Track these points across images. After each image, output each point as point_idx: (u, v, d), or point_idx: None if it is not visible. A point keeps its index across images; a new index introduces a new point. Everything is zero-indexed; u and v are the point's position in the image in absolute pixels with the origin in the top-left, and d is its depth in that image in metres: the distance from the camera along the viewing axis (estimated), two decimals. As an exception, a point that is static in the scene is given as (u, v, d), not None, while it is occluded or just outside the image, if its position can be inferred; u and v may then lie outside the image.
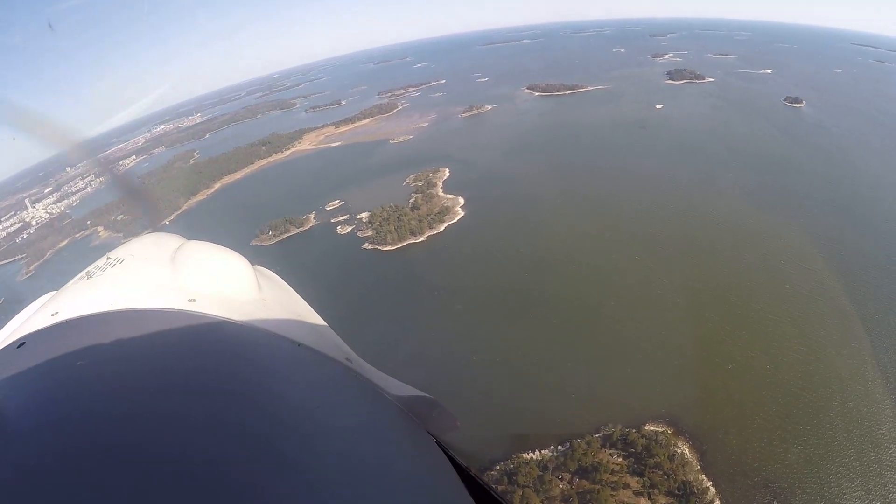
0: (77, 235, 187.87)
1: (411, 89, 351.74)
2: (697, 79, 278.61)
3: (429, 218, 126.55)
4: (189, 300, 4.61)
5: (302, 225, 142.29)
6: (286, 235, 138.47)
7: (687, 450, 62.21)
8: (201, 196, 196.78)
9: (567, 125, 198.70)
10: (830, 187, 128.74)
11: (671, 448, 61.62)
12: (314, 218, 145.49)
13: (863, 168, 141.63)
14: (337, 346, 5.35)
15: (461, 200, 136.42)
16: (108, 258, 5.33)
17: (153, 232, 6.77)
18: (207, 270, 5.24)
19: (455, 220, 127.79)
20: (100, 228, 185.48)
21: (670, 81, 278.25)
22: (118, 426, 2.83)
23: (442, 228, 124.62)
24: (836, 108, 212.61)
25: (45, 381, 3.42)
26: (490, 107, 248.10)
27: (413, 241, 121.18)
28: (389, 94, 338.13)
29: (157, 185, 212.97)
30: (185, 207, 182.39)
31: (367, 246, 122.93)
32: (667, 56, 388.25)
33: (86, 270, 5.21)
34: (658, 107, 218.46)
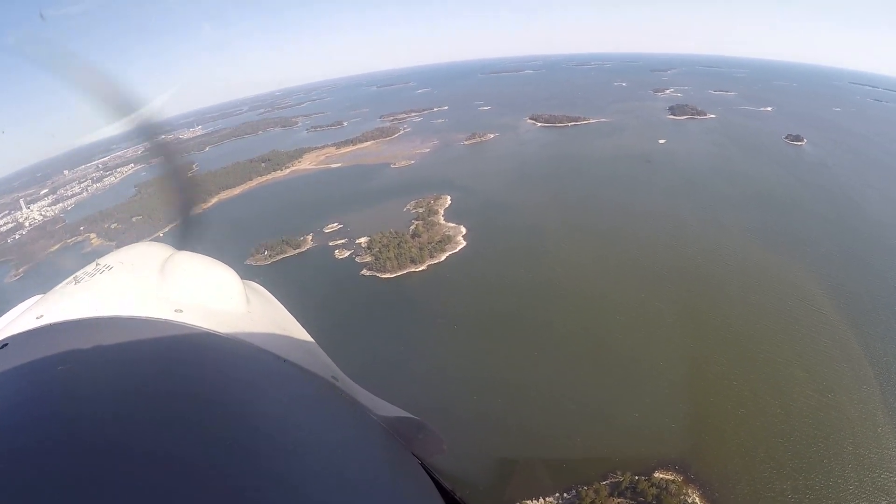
0: (69, 241, 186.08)
1: (413, 114, 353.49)
2: (699, 115, 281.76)
3: (430, 246, 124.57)
4: (176, 310, 4.60)
5: (299, 246, 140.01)
6: (282, 256, 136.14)
7: (698, 499, 59.94)
8: (197, 210, 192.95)
9: (570, 157, 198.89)
10: (835, 226, 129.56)
11: (682, 497, 59.41)
12: (311, 240, 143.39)
13: (866, 207, 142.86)
14: (324, 364, 5.27)
15: (463, 229, 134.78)
16: (97, 264, 5.31)
17: (145, 242, 6.45)
18: (196, 281, 5.18)
19: (457, 250, 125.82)
20: (92, 236, 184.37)
21: (672, 116, 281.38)
22: (96, 432, 2.85)
23: (443, 258, 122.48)
24: (836, 147, 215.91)
25: (25, 382, 3.47)
26: (492, 135, 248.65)
27: (413, 270, 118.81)
28: (392, 118, 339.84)
29: (152, 198, 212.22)
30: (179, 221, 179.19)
31: (365, 272, 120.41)
32: (668, 91, 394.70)
33: (74, 275, 5.17)
34: (661, 141, 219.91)
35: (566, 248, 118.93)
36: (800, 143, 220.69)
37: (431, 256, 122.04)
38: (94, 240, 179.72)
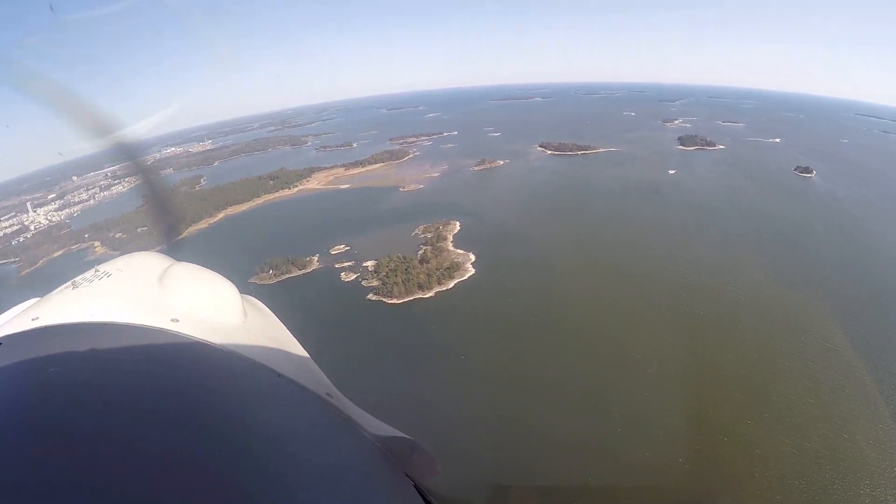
0: (73, 247, 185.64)
1: (423, 138, 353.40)
2: (708, 145, 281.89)
3: (438, 273, 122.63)
4: (172, 320, 4.66)
5: (304, 267, 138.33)
6: (287, 276, 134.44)
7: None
8: (203, 224, 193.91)
9: (581, 185, 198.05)
10: (848, 261, 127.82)
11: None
12: (318, 261, 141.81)
13: (879, 242, 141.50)
14: (319, 381, 5.33)
15: (472, 257, 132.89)
16: (97, 271, 5.35)
17: (145, 252, 6.53)
18: (194, 292, 5.26)
19: (465, 277, 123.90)
20: (97, 243, 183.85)
21: (682, 147, 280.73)
22: (84, 436, 2.84)
23: (451, 285, 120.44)
24: (846, 179, 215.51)
25: (16, 382, 3.48)
26: (502, 162, 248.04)
27: (421, 296, 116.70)
28: (401, 141, 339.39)
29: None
30: (185, 234, 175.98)
31: (371, 297, 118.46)
32: (677, 121, 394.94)
33: (72, 280, 5.22)
34: (671, 172, 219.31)
35: (576, 282, 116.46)
36: (809, 175, 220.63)
37: (439, 283, 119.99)
38: (99, 248, 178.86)
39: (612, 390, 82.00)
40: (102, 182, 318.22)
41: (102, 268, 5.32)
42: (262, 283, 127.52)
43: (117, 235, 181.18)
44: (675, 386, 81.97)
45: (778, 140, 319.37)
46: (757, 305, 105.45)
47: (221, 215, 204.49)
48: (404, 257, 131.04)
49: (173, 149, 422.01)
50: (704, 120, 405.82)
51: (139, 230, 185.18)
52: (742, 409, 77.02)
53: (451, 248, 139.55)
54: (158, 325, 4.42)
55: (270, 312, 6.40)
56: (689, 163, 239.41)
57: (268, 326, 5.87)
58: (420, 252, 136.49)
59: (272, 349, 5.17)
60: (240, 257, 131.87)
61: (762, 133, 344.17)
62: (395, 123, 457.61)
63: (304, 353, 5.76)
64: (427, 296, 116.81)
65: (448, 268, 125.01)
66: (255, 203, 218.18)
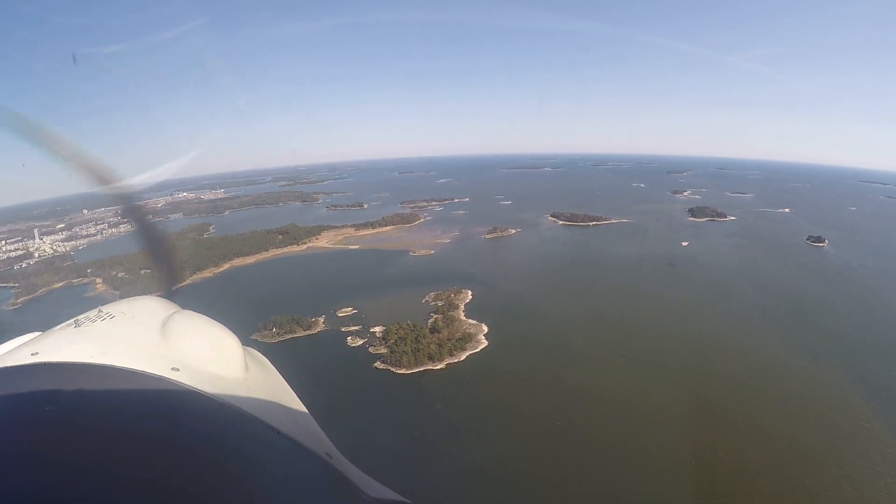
0: (74, 281, 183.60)
1: (434, 203, 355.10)
2: (719, 217, 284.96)
3: (449, 343, 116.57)
4: (173, 368, 4.59)
5: (310, 328, 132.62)
6: (291, 336, 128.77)
7: None
8: (207, 273, 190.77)
9: (594, 257, 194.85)
10: (868, 330, 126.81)
11: None
12: (323, 322, 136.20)
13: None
14: (318, 440, 5.30)
15: (485, 328, 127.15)
16: (100, 311, 5.33)
17: (151, 296, 6.55)
18: (196, 342, 5.21)
19: (477, 350, 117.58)
20: (98, 280, 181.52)
21: (693, 219, 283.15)
22: (73, 479, 2.83)
23: (463, 357, 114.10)
24: (859, 247, 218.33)
25: (10, 417, 3.48)
26: (514, 230, 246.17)
27: (431, 368, 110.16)
28: (412, 205, 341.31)
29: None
30: (188, 281, 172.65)
31: (378, 365, 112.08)
32: (686, 193, 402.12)
33: (75, 318, 5.16)
34: (684, 244, 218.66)
35: (594, 363, 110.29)
36: (822, 245, 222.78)
37: (451, 355, 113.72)
38: (100, 285, 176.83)
39: (629, 469, 77.10)
40: (112, 218, 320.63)
41: (106, 308, 5.25)
42: (264, 340, 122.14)
43: (120, 275, 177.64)
44: (703, 486, 75.22)
45: (787, 210, 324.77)
46: (782, 389, 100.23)
47: (227, 266, 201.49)
48: (414, 325, 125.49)
49: (185, 194, 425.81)
50: (713, 191, 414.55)
51: (142, 272, 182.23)
52: (774, 489, 73.00)
53: (462, 317, 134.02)
54: (158, 373, 4.32)
55: (272, 367, 6.23)
56: (701, 234, 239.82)
57: (269, 381, 5.68)
58: (430, 320, 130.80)
59: (272, 405, 5.04)
60: (242, 311, 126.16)
61: (771, 203, 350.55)
62: (407, 187, 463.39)
63: (305, 411, 5.62)
64: (437, 367, 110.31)
65: (460, 339, 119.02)
66: (262, 256, 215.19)
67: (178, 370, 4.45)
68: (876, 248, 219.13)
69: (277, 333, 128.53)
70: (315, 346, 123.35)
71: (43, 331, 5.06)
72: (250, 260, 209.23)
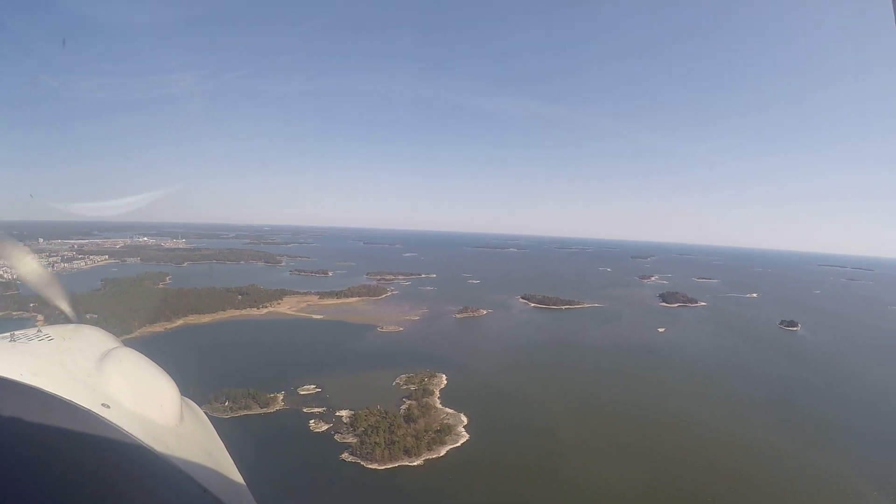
0: (14, 314, 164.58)
1: (401, 277, 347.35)
2: (690, 302, 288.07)
3: (427, 435, 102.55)
4: (103, 404, 4.26)
5: (267, 405, 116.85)
6: (246, 412, 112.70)
7: None
8: (159, 327, 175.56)
9: (570, 343, 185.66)
10: (860, 416, 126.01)
11: None
12: (283, 400, 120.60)
13: (883, 391, 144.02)
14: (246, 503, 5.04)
15: (464, 419, 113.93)
16: (39, 330, 5.06)
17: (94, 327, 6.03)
18: (133, 381, 4.82)
19: (458, 444, 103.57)
20: (40, 317, 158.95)
21: (665, 304, 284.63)
22: None
23: (443, 452, 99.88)
24: (832, 331, 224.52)
25: None
26: (485, 311, 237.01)
27: (407, 464, 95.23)
28: (379, 277, 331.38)
29: (115, 298, 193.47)
30: (136, 333, 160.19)
31: (346, 457, 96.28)
32: (653, 278, 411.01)
33: (11, 332, 4.88)
34: (660, 330, 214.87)
35: (584, 459, 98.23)
36: (795, 329, 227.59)
37: (429, 449, 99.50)
38: (41, 322, 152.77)
39: None
40: (67, 253, 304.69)
41: (46, 329, 4.97)
42: (215, 414, 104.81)
43: (58, 312, 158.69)
44: None
45: (755, 295, 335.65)
46: (780, 470, 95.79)
47: (181, 322, 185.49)
48: (386, 412, 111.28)
49: (146, 238, 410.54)
50: (679, 277, 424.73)
51: (88, 315, 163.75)
52: None
53: (438, 405, 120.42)
54: (87, 406, 3.97)
55: (208, 422, 5.74)
56: (675, 320, 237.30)
57: (202, 435, 5.24)
58: (404, 406, 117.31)
59: (203, 461, 4.50)
60: (193, 377, 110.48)
61: (738, 289, 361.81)
62: (373, 258, 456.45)
63: (238, 476, 5.11)
64: (415, 464, 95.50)
65: (438, 430, 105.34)
66: (219, 316, 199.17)
67: (108, 407, 4.11)
68: (847, 330, 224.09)
69: (231, 408, 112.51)
70: (273, 427, 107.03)
71: None
72: (206, 319, 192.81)
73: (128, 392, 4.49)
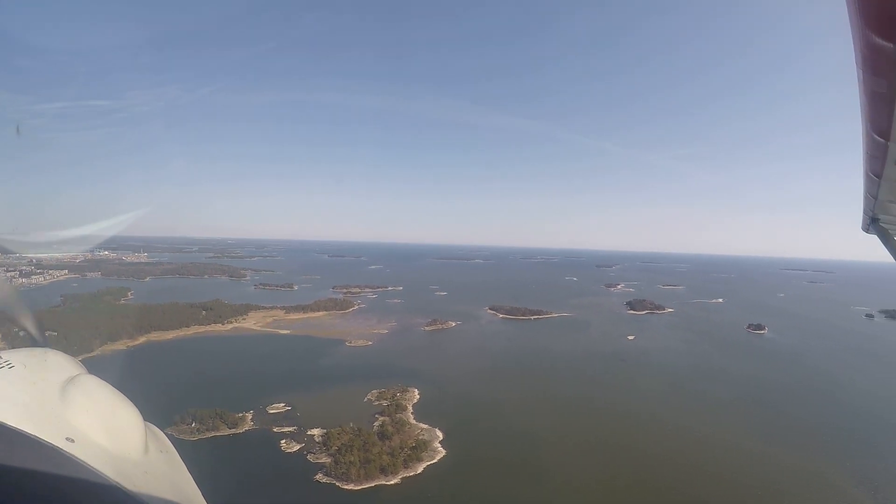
0: None
1: (367, 290, 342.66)
2: (658, 309, 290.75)
3: (403, 453, 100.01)
4: (67, 438, 3.94)
5: (236, 425, 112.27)
6: (213, 434, 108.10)
7: None
8: (121, 345, 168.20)
9: (542, 353, 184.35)
10: (835, 414, 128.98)
11: None
12: (252, 419, 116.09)
13: (855, 391, 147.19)
14: None
15: (439, 434, 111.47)
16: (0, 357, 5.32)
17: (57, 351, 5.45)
18: (97, 412, 4.43)
19: (435, 460, 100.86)
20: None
21: (632, 311, 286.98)
22: None
23: (420, 469, 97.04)
24: (799, 333, 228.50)
25: None
26: (454, 323, 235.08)
27: (384, 483, 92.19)
28: (345, 290, 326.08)
29: (75, 315, 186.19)
30: (97, 352, 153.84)
31: (321, 478, 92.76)
32: (619, 286, 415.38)
33: None
34: (630, 337, 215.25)
35: (568, 470, 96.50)
36: (762, 332, 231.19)
37: (406, 466, 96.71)
38: (0, 346, 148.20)
39: None
40: (25, 267, 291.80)
41: (7, 355, 4.50)
42: (182, 436, 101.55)
43: (21, 333, 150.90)
44: None
45: (721, 300, 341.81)
46: (759, 480, 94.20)
47: (143, 339, 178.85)
48: (359, 429, 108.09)
49: (107, 252, 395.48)
50: (645, 284, 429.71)
51: (47, 333, 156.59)
52: None
53: (412, 420, 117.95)
54: (52, 442, 3.65)
55: (173, 449, 5.18)
56: (644, 328, 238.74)
57: (170, 467, 4.82)
58: (377, 423, 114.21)
59: (171, 496, 4.20)
60: (156, 396, 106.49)
61: (704, 294, 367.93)
62: (338, 271, 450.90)
63: None
64: (392, 482, 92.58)
65: (414, 447, 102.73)
66: (183, 333, 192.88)
67: (72, 441, 3.82)
68: (814, 332, 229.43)
69: (198, 429, 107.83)
70: (243, 448, 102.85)
71: None
72: (170, 335, 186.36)
73: (93, 424, 4.11)
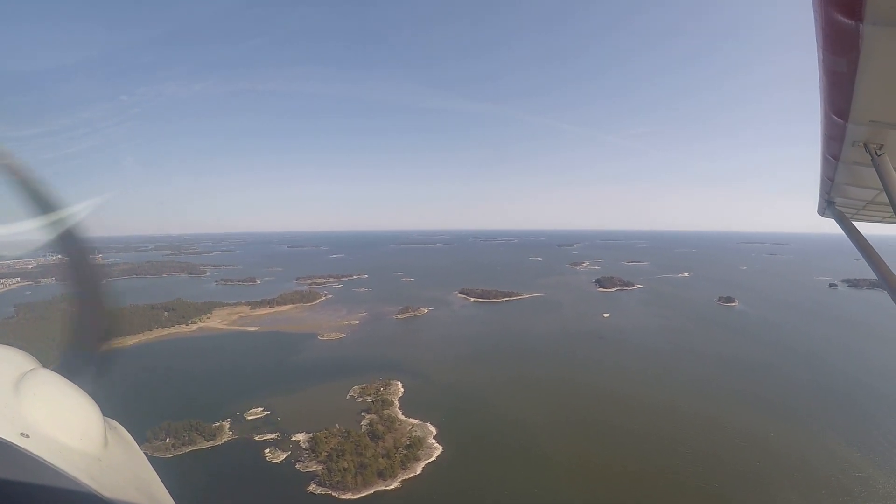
0: None
1: (332, 280, 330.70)
2: (627, 286, 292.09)
3: (399, 453, 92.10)
4: (22, 434, 3.67)
5: (214, 437, 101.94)
6: (191, 448, 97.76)
7: None
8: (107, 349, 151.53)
9: (519, 335, 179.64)
10: (817, 380, 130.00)
11: None
12: (230, 429, 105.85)
13: (833, 358, 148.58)
14: None
15: (432, 429, 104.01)
16: None
17: (9, 346, 4.79)
18: (54, 406, 4.07)
19: (433, 458, 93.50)
20: None
21: (602, 289, 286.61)
22: None
23: (419, 470, 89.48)
24: (768, 304, 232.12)
25: None
26: (426, 309, 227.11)
27: (383, 488, 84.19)
28: (310, 282, 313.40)
29: (30, 324, 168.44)
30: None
31: (315, 488, 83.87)
32: (585, 264, 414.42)
33: None
34: (605, 315, 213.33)
35: (566, 453, 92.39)
36: (733, 304, 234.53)
37: (404, 468, 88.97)
38: None
39: None
40: None
41: None
42: (157, 454, 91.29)
43: None
44: None
45: (687, 275, 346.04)
46: (752, 450, 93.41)
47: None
48: (348, 431, 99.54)
49: (59, 256, 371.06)
50: (609, 262, 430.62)
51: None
52: None
53: (401, 416, 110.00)
54: (6, 437, 3.47)
55: (135, 444, 4.50)
56: (617, 305, 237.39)
57: (131, 461, 4.25)
58: (365, 422, 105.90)
59: (133, 491, 3.85)
60: (124, 410, 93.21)
61: (670, 270, 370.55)
62: (300, 262, 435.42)
63: (170, 502, 4.25)
64: (391, 487, 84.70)
65: (409, 445, 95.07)
66: (145, 337, 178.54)
67: (27, 437, 3.64)
68: (783, 303, 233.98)
69: (173, 445, 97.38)
70: (224, 462, 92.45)
71: None
72: (132, 341, 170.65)
73: (48, 419, 3.84)
